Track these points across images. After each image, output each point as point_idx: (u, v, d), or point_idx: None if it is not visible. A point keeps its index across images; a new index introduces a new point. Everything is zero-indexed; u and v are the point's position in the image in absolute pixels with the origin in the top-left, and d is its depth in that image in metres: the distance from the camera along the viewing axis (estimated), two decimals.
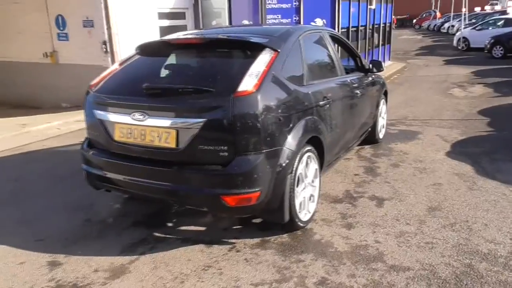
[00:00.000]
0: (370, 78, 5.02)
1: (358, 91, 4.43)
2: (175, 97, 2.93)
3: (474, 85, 10.58)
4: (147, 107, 2.95)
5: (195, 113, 2.81)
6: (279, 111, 2.96)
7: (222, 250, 3.12)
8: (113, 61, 8.43)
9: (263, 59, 3.02)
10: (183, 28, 10.14)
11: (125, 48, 8.53)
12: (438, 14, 34.12)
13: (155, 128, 2.95)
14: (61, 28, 9.05)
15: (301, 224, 3.33)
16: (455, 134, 6.15)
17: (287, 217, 3.14)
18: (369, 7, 12.20)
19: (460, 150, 5.34)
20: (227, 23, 10.10)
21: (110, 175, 3.24)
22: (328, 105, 3.63)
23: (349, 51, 4.83)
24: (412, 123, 6.98)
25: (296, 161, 3.10)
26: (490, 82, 10.79)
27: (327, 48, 4.08)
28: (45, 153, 5.74)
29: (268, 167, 2.89)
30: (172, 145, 2.90)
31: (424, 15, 37.27)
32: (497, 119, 6.99)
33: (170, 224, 3.58)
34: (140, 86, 3.07)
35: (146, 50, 3.60)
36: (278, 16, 9.77)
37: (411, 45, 23.28)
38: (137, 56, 3.58)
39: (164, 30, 9.52)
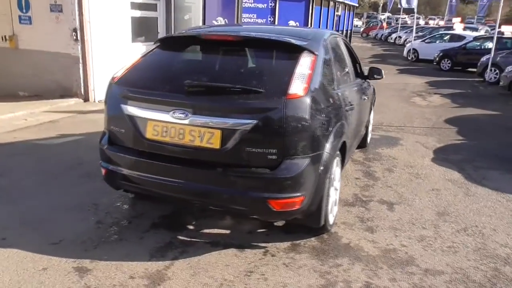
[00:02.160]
0: (366, 84, 5.16)
1: (365, 97, 4.55)
2: (221, 96, 2.82)
3: (431, 95, 11.24)
4: (190, 105, 2.81)
5: (245, 114, 2.73)
6: (323, 115, 2.96)
7: (256, 255, 3.06)
8: (83, 50, 7.96)
9: (306, 62, 3.00)
10: (154, 20, 9.78)
11: (97, 36, 8.08)
12: (385, 24, 35.91)
13: (196, 128, 2.82)
14: (24, 11, 8.35)
15: (329, 228, 3.35)
16: (433, 141, 6.50)
17: (323, 221, 3.15)
18: (336, 13, 12.57)
19: (443, 157, 5.66)
20: (200, 19, 9.90)
21: (137, 175, 3.06)
22: (351, 110, 3.69)
23: (351, 57, 4.92)
24: (388, 129, 7.27)
25: (333, 165, 3.12)
26: (445, 93, 11.52)
27: (343, 53, 4.15)
28: (22, 146, 5.27)
29: (313, 171, 2.88)
30: (216, 146, 2.79)
31: (371, 25, 39.10)
32: (464, 128, 7.48)
33: (191, 227, 3.44)
34: (177, 82, 2.94)
35: (171, 43, 3.43)
36: (253, 16, 9.77)
37: (364, 53, 24.20)
38: (160, 49, 3.39)
39: (136, 21, 9.15)
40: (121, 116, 3.05)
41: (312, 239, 3.32)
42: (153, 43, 3.46)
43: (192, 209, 3.72)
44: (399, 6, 23.29)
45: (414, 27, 19.63)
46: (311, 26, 10.35)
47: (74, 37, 7.95)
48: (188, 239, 3.24)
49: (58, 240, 3.11)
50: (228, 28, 3.95)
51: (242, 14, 9.63)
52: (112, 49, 8.47)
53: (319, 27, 11.10)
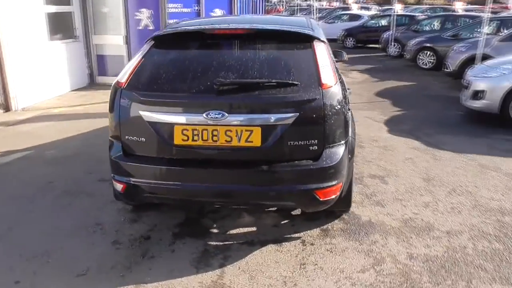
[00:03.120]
0: None
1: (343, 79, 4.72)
2: (257, 92, 2.73)
3: (350, 71, 11.99)
4: (226, 105, 2.68)
5: (286, 108, 2.69)
6: (346, 101, 3.03)
7: (297, 246, 3.07)
8: None
9: (321, 50, 3.01)
10: (69, 15, 8.89)
11: (12, 37, 7.12)
12: (280, 7, 37.05)
13: (233, 127, 2.70)
14: None
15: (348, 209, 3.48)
16: (378, 115, 7.00)
17: (351, 204, 3.26)
18: None
19: (396, 128, 6.14)
20: (120, 11, 9.23)
21: (166, 184, 2.84)
22: (349, 95, 3.81)
23: None
24: None
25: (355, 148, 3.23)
26: (361, 69, 12.38)
27: None
28: None
29: (346, 156, 2.95)
30: (257, 143, 2.71)
31: (267, 8, 40.07)
32: (395, 100, 8.16)
33: (215, 230, 3.31)
34: (202, 81, 2.77)
35: (170, 40, 3.17)
36: (179, 5, 9.40)
37: None
38: (159, 48, 3.11)
39: (51, 17, 8.24)
40: (140, 123, 2.79)
41: (336, 221, 3.42)
42: (71, 40, 3.12)
43: (203, 212, 3.57)
44: None
45: (315, 8, 20.62)
46: (235, 12, 10.31)
47: None
48: (221, 243, 3.12)
49: (83, 270, 2.77)
50: (222, 19, 3.75)
51: (168, 4, 9.19)
52: (30, 50, 7.57)
53: (241, 12, 11.11)
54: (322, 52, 2.99)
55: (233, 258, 2.92)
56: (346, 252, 3.00)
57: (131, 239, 3.18)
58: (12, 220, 3.44)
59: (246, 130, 2.70)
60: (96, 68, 9.72)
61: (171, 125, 2.76)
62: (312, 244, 3.10)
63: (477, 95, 6.26)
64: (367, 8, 24.46)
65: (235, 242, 3.14)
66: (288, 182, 2.78)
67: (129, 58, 9.58)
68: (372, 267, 2.82)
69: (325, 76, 2.80)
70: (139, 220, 3.46)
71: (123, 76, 2.95)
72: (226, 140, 2.72)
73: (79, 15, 9.12)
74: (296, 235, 3.23)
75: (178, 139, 2.76)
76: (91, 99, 8.23)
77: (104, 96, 8.53)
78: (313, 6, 21.65)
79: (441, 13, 15.89)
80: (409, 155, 5.00)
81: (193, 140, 2.75)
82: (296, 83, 2.73)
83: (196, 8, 9.66)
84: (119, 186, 2.96)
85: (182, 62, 2.99)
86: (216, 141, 2.73)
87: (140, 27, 9.35)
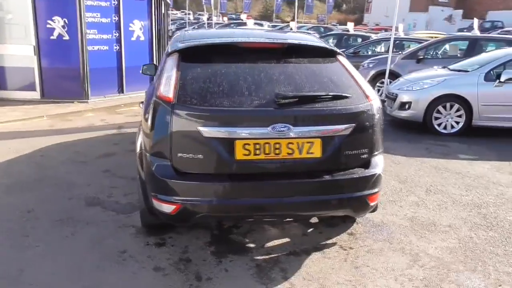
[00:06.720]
0: None
1: None
2: (317, 105, 2.81)
3: None
4: (291, 118, 2.71)
5: (345, 119, 2.82)
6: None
7: (339, 252, 3.20)
8: None
9: (348, 64, 3.23)
10: None
11: None
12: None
13: (294, 140, 2.74)
14: None
15: None
16: None
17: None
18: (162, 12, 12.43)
19: None
20: (30, 18, 8.28)
21: (226, 202, 2.74)
22: None
23: None
24: None
25: None
26: None
27: None
28: None
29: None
30: (317, 154, 2.79)
31: None
32: None
33: (252, 245, 3.26)
34: (258, 95, 2.77)
35: (201, 53, 3.05)
36: (97, 15, 8.80)
37: None
38: (189, 62, 2.98)
39: None
40: (198, 140, 2.66)
41: (355, 226, 3.64)
42: None
43: (224, 228, 3.48)
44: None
45: (211, 22, 20.95)
46: (155, 25, 10.03)
47: None
48: (267, 257, 3.10)
49: None
50: (231, 32, 3.68)
51: (85, 13, 8.51)
52: None
53: (162, 26, 10.84)
54: (349, 66, 3.21)
55: (291, 269, 2.93)
56: (384, 252, 3.23)
57: (172, 263, 2.96)
58: (17, 258, 2.92)
59: (308, 142, 2.77)
60: None
61: (232, 140, 2.68)
62: (351, 248, 3.27)
63: (404, 106, 7.15)
64: (261, 24, 25.68)
65: (279, 254, 3.14)
66: (348, 190, 2.91)
67: (40, 70, 8.63)
68: (414, 263, 3.10)
69: (367, 89, 3.02)
70: (165, 243, 3.22)
71: (167, 91, 2.76)
72: (288, 153, 2.75)
73: None
74: (330, 241, 3.36)
75: (239, 154, 2.70)
76: (0, 117, 7.19)
77: (16, 112, 7.58)
78: (203, 20, 21.92)
79: (337, 32, 17.57)
80: None
81: (255, 154, 2.71)
82: (350, 95, 2.90)
83: (115, 18, 9.16)
84: (168, 208, 2.75)
85: (229, 76, 2.91)
86: (279, 154, 2.74)
87: (53, 37, 8.51)
